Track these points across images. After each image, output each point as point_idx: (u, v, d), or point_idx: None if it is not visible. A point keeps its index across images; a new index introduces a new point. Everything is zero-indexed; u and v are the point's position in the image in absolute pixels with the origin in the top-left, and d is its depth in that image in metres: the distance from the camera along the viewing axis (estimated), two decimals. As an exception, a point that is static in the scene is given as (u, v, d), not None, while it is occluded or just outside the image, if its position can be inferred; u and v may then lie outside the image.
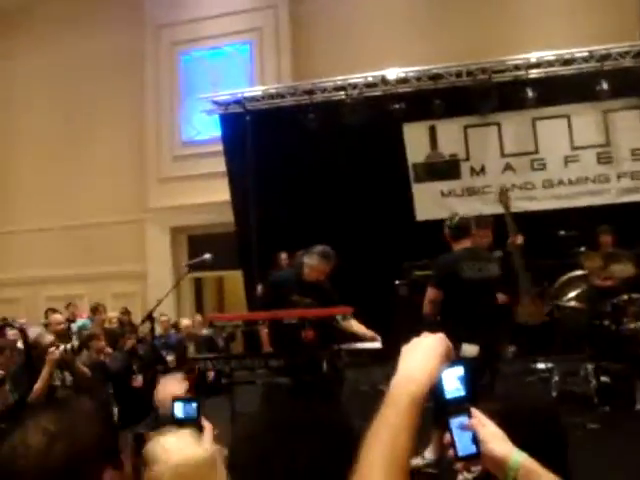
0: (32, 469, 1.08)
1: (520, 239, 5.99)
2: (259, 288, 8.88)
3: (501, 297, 5.06)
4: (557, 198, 8.63)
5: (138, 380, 6.07)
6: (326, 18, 10.66)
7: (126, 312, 9.28)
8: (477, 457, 1.15)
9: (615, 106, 8.51)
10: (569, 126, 8.68)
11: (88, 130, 11.51)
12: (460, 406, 1.17)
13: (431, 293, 4.37)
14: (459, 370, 1.17)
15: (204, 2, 11.23)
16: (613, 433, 5.07)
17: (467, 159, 8.97)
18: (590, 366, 5.94)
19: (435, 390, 1.15)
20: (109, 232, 11.29)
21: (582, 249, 6.29)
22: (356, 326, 4.48)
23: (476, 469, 1.28)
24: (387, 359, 6.14)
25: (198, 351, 7.91)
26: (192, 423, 1.41)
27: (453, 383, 1.16)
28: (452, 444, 1.16)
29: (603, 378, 5.83)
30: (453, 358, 1.19)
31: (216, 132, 10.20)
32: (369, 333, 4.39)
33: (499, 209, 8.47)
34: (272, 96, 9.45)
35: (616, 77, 8.22)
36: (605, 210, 8.15)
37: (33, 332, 5.58)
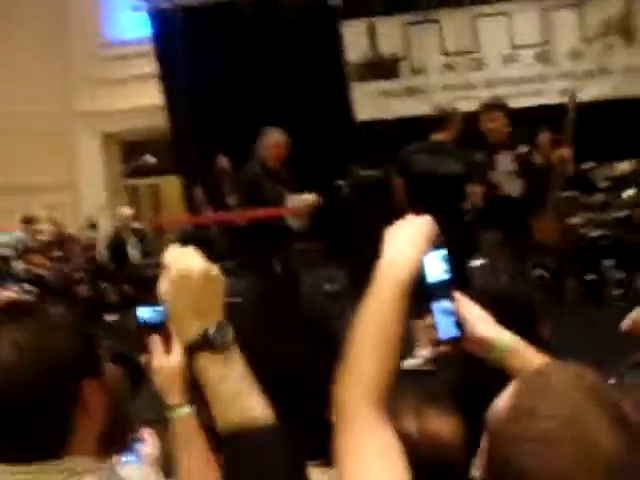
0: (0, 386, 0.98)
1: (568, 153, 5.11)
2: (198, 193, 8.69)
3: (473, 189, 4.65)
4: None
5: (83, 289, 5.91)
6: None
7: (56, 224, 8.85)
8: (459, 339, 1.13)
9: (554, 4, 8.45)
10: (509, 24, 8.59)
11: (2, 27, 10.54)
12: (443, 290, 1.13)
13: (394, 181, 4.47)
14: (442, 253, 1.13)
15: None
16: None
17: (406, 58, 8.80)
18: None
19: (417, 275, 1.11)
20: (33, 139, 10.63)
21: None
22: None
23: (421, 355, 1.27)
24: (334, 258, 6.23)
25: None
26: (158, 329, 1.32)
27: (436, 266, 1.13)
28: (434, 327, 1.14)
29: (541, 272, 6.06)
30: (437, 241, 1.15)
31: (144, 31, 9.58)
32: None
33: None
34: (203, -10, 8.88)
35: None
36: (543, 110, 8.22)
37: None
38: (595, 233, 6.04)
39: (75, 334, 1.06)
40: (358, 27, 8.78)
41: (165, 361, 1.29)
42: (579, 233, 6.14)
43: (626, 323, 0.65)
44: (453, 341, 1.14)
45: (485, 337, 1.11)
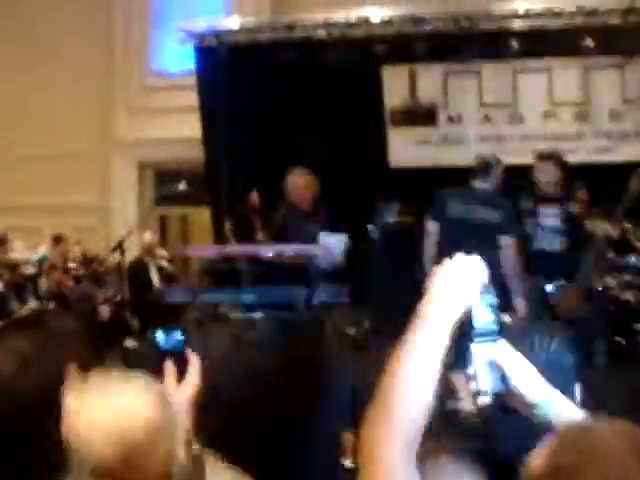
0: (2, 395, 0.94)
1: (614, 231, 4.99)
2: (227, 226, 8.73)
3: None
4: (533, 153, 8.61)
5: (104, 311, 5.91)
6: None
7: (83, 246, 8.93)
8: (502, 395, 1.07)
9: (597, 64, 8.47)
10: (549, 81, 8.62)
11: (50, 51, 10.86)
12: (489, 339, 1.07)
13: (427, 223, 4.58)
14: (492, 300, 1.08)
15: None
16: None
17: (445, 106, 8.86)
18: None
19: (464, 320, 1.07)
20: (70, 162, 10.85)
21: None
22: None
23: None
24: (362, 302, 6.15)
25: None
26: (178, 354, 1.26)
27: (484, 314, 1.07)
28: (476, 379, 1.07)
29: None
30: (487, 287, 1.09)
31: (189, 64, 9.81)
32: None
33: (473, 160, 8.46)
34: (250, 30, 9.10)
35: (601, 34, 8.16)
36: (579, 168, 8.17)
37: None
38: (628, 296, 5.89)
39: (84, 348, 1.03)
40: (399, 73, 8.89)
41: (176, 393, 1.19)
42: (612, 295, 6.00)
43: None
44: (495, 395, 1.07)
45: (527, 396, 1.05)
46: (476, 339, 1.07)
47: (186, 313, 5.58)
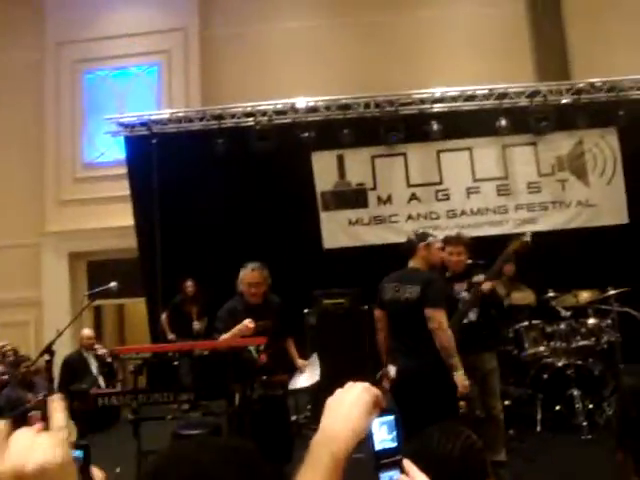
0: None
1: (488, 286, 4.94)
2: (163, 317, 8.59)
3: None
4: (460, 227, 8.92)
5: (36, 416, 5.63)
6: (236, 43, 10.64)
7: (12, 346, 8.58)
8: None
9: (512, 141, 9.01)
10: (471, 159, 9.08)
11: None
12: (391, 459, 1.10)
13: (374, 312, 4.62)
14: (389, 419, 1.11)
15: (111, 21, 10.91)
16: (515, 454, 5.22)
17: (374, 188, 9.15)
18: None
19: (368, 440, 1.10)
20: (2, 256, 10.56)
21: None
22: (292, 349, 4.74)
23: None
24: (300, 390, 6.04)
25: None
26: (79, 472, 1.25)
27: (383, 433, 1.10)
28: None
29: (506, 402, 6.00)
30: (384, 406, 1.13)
31: (120, 155, 9.86)
32: (298, 362, 4.44)
33: (404, 237, 8.67)
34: (180, 120, 9.26)
35: (513, 114, 8.73)
36: (504, 240, 8.49)
37: None
38: (561, 362, 6.05)
39: None
40: (328, 158, 9.17)
41: None
42: (545, 362, 6.15)
43: None
44: None
45: None
46: (379, 459, 1.09)
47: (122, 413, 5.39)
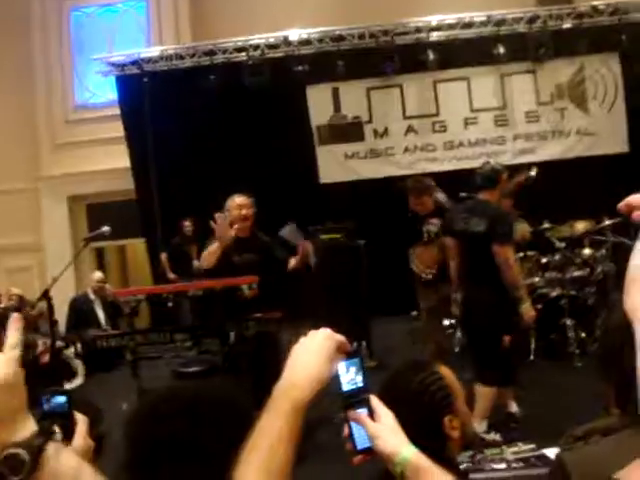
0: None
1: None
2: (163, 257, 8.66)
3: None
4: (457, 159, 8.88)
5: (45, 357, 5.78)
6: (226, -25, 10.28)
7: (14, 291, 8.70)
8: (372, 451, 1.11)
9: (511, 70, 8.81)
10: (468, 89, 8.91)
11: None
12: (357, 398, 1.13)
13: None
14: (355, 361, 1.14)
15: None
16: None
17: (370, 121, 9.03)
18: (489, 321, 6.19)
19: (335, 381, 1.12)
20: (1, 203, 10.57)
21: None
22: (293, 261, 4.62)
23: None
24: (295, 325, 6.16)
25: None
26: (62, 418, 1.30)
27: (350, 375, 1.13)
28: (350, 437, 1.13)
29: (501, 332, 6.09)
30: (348, 350, 1.16)
31: (112, 95, 9.71)
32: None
33: (402, 171, 8.64)
34: (171, 57, 9.06)
35: (511, 42, 8.50)
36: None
37: None
38: (555, 293, 6.11)
39: None
40: (322, 92, 9.01)
41: None
42: (540, 293, 6.21)
43: (622, 204, 0.63)
44: (367, 452, 1.12)
45: (384, 452, 1.09)
46: (347, 400, 1.12)
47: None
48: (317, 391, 1.06)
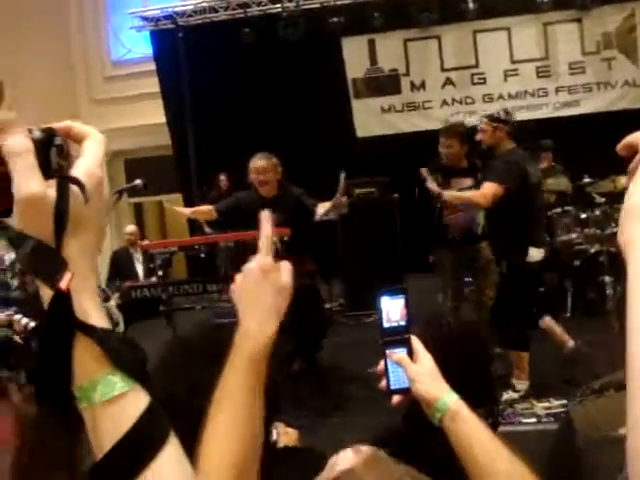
0: None
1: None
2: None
3: None
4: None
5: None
6: None
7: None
8: (408, 392, 1.10)
9: (554, 18, 8.46)
10: (509, 39, 8.61)
11: (9, 47, 10.69)
12: (397, 337, 1.10)
13: (496, 188, 4.05)
14: (400, 299, 1.12)
15: None
16: (546, 339, 5.29)
17: (407, 74, 8.84)
18: (526, 277, 6.10)
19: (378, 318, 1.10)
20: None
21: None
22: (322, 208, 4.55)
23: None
24: (332, 276, 6.18)
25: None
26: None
27: (393, 312, 1.11)
28: (386, 375, 1.11)
29: (540, 288, 6.01)
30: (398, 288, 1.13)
31: (148, 50, 9.70)
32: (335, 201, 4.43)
33: (440, 125, 8.45)
34: (204, 10, 8.97)
35: (555, -12, 8.14)
36: (544, 124, 8.22)
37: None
38: (594, 249, 5.97)
39: None
40: (358, 44, 8.83)
41: None
42: (578, 249, 6.09)
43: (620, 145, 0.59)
44: (404, 392, 1.10)
45: (424, 397, 1.08)
46: (385, 338, 1.11)
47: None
48: (273, 332, 0.96)
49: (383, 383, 1.11)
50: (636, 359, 0.50)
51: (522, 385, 4.27)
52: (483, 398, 1.53)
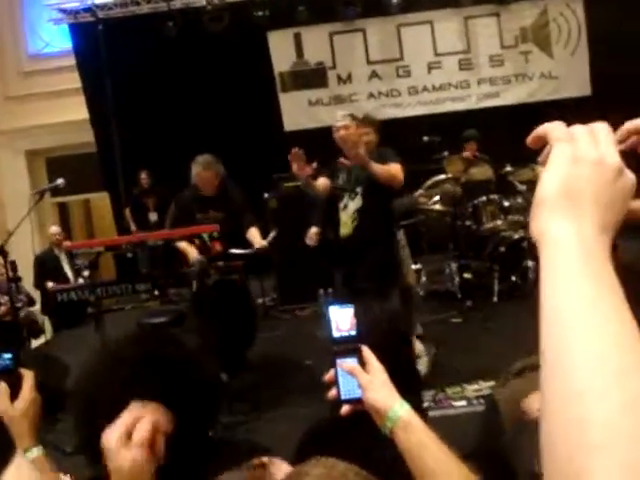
0: None
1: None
2: (127, 210, 8.54)
3: None
4: (422, 104, 8.83)
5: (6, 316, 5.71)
6: None
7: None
8: (360, 402, 1.09)
9: (474, 12, 8.70)
10: (432, 32, 8.79)
11: None
12: (348, 347, 1.09)
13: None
14: (349, 308, 1.11)
15: None
16: (473, 324, 5.47)
17: (334, 67, 8.89)
18: (454, 264, 6.29)
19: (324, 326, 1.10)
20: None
21: (445, 154, 6.45)
22: (252, 235, 4.57)
23: None
24: (261, 272, 6.17)
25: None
26: (9, 374, 1.33)
27: (343, 322, 1.10)
28: (336, 385, 1.10)
29: (465, 275, 6.19)
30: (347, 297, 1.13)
31: (67, 44, 9.36)
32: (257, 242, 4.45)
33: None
34: (126, 4, 8.73)
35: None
36: (467, 115, 8.46)
37: None
38: (517, 235, 6.19)
39: None
40: (284, 37, 8.81)
41: (9, 408, 1.28)
42: (503, 235, 6.29)
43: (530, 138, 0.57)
44: (354, 402, 1.09)
45: (376, 406, 1.06)
46: (335, 348, 1.10)
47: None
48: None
49: (333, 392, 1.10)
50: (546, 347, 0.53)
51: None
52: (406, 389, 1.57)
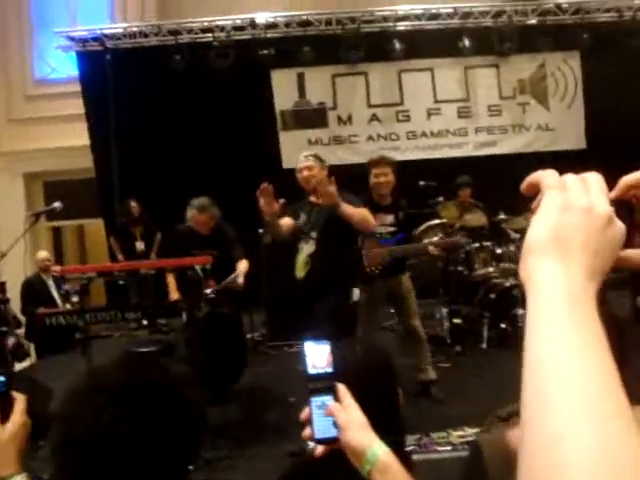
0: None
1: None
2: (112, 239, 8.50)
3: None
4: (420, 149, 8.96)
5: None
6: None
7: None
8: (336, 441, 1.05)
9: (475, 63, 8.91)
10: (433, 80, 8.98)
11: None
12: (324, 384, 1.06)
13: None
14: (325, 345, 1.08)
15: None
16: (462, 369, 5.46)
17: (334, 108, 9.03)
18: (444, 309, 6.29)
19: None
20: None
21: (440, 199, 6.53)
22: (239, 268, 4.62)
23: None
24: (254, 306, 6.15)
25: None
26: (0, 397, 1.32)
27: (318, 359, 1.07)
28: (310, 424, 1.06)
29: (455, 320, 6.20)
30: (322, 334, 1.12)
31: (73, 71, 9.49)
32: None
33: (365, 159, 8.67)
34: (134, 35, 8.90)
35: (476, 35, 8.60)
36: (463, 162, 8.57)
37: None
38: (508, 283, 6.22)
39: None
40: (287, 76, 8.97)
41: None
42: (494, 282, 6.32)
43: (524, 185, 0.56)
44: (330, 442, 1.06)
45: (354, 446, 1.04)
46: (310, 385, 1.07)
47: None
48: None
49: (307, 432, 1.07)
50: (527, 390, 0.53)
51: None
52: (386, 430, 1.55)
